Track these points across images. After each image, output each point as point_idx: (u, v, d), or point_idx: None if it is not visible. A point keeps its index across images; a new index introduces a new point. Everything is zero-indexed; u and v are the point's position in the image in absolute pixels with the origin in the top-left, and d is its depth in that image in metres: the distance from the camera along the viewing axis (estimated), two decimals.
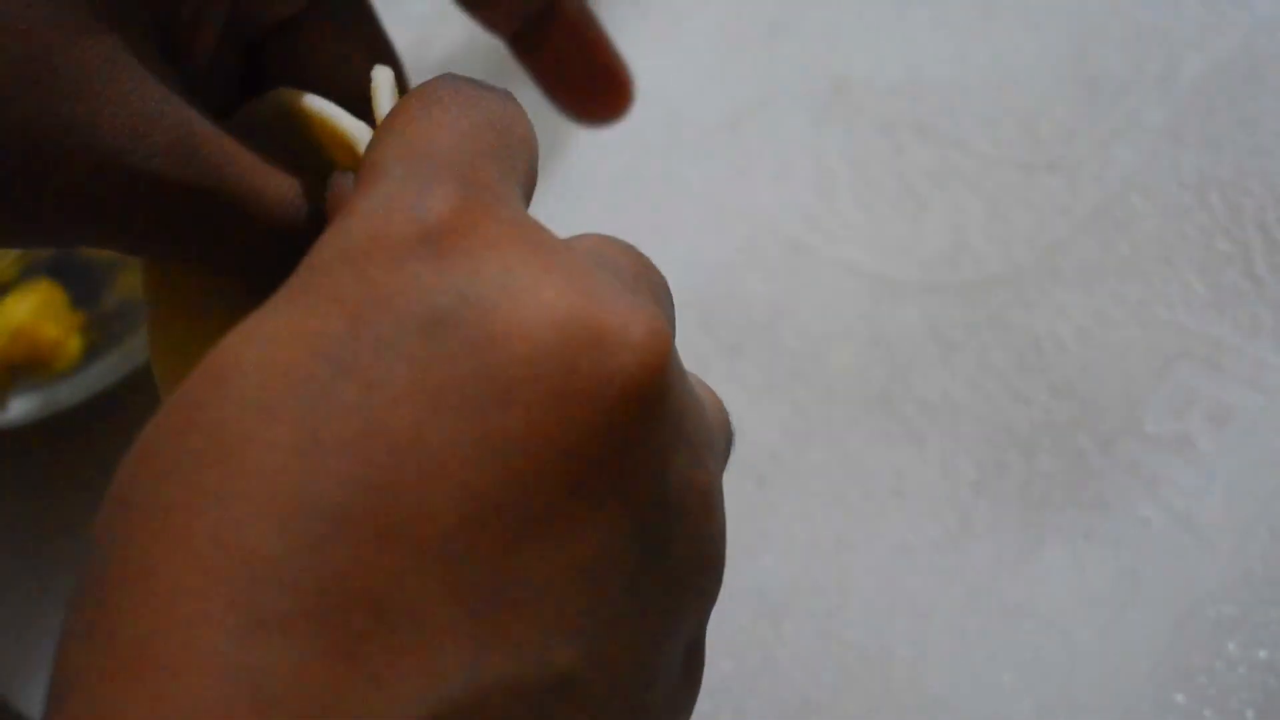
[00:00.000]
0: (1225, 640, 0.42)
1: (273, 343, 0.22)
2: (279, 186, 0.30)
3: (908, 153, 0.51)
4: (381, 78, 0.29)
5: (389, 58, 0.33)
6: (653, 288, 0.27)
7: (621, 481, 0.22)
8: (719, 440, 0.27)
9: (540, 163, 0.29)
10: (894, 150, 0.51)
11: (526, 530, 0.22)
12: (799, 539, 0.46)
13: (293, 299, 0.23)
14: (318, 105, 0.29)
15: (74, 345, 0.49)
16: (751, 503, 0.47)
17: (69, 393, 0.46)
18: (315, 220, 0.30)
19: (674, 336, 0.25)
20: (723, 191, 0.54)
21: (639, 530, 0.23)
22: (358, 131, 0.29)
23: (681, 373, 0.24)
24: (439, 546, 0.21)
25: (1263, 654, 0.41)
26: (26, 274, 0.50)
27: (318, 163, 0.30)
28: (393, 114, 0.26)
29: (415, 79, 0.32)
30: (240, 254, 0.30)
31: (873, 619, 0.45)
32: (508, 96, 0.27)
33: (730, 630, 0.45)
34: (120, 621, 0.21)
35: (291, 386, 0.21)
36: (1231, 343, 0.46)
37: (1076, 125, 0.50)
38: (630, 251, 0.27)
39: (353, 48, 0.33)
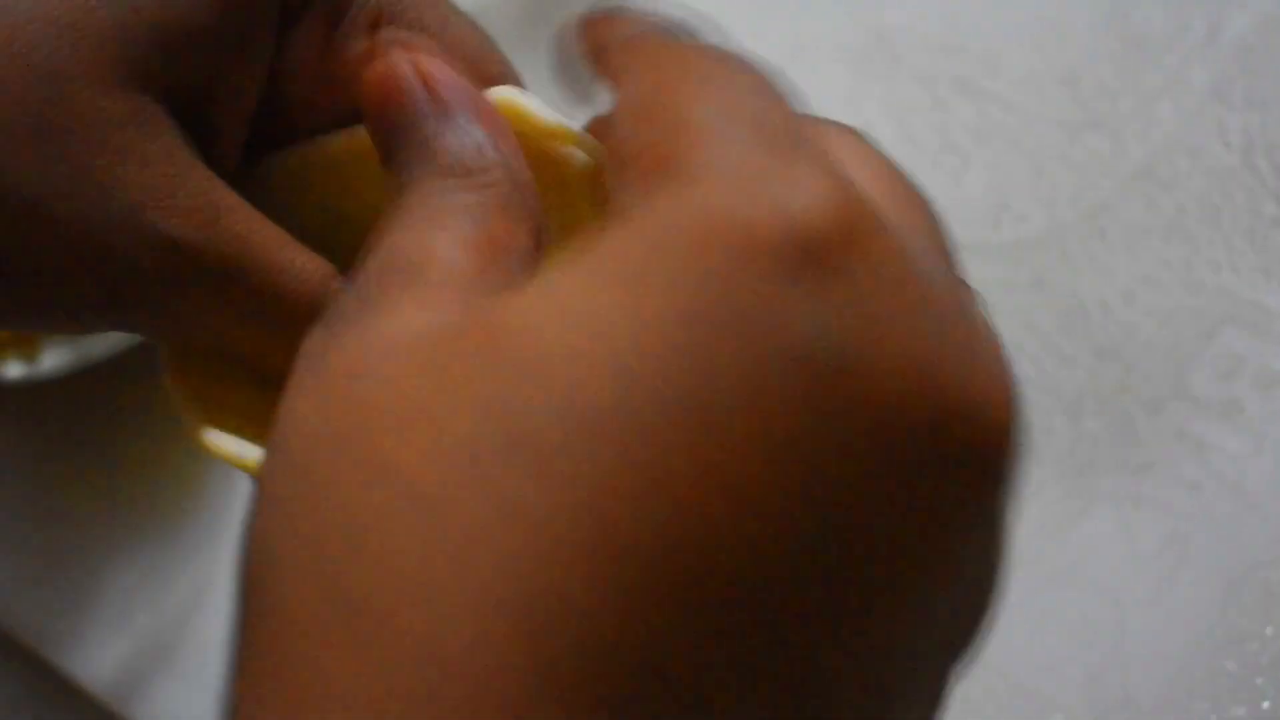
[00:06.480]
0: (1276, 607, 0.42)
1: (579, 329, 0.18)
2: (307, 264, 0.27)
3: (949, 107, 0.50)
4: (512, 93, 0.27)
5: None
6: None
7: (957, 563, 0.20)
8: None
9: None
10: (935, 104, 0.50)
11: (851, 611, 0.19)
12: None
13: (612, 273, 0.19)
14: (505, 95, 0.27)
15: None
16: None
17: (103, 345, 0.44)
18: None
19: None
20: None
21: (953, 616, 0.20)
22: (563, 123, 0.27)
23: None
24: (743, 615, 0.18)
25: None
26: None
27: (362, 209, 0.28)
28: (691, 72, 0.21)
29: None
30: (263, 336, 0.27)
31: None
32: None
33: None
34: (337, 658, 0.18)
35: (608, 391, 0.18)
36: (1279, 309, 0.45)
37: (1119, 83, 0.49)
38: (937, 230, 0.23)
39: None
